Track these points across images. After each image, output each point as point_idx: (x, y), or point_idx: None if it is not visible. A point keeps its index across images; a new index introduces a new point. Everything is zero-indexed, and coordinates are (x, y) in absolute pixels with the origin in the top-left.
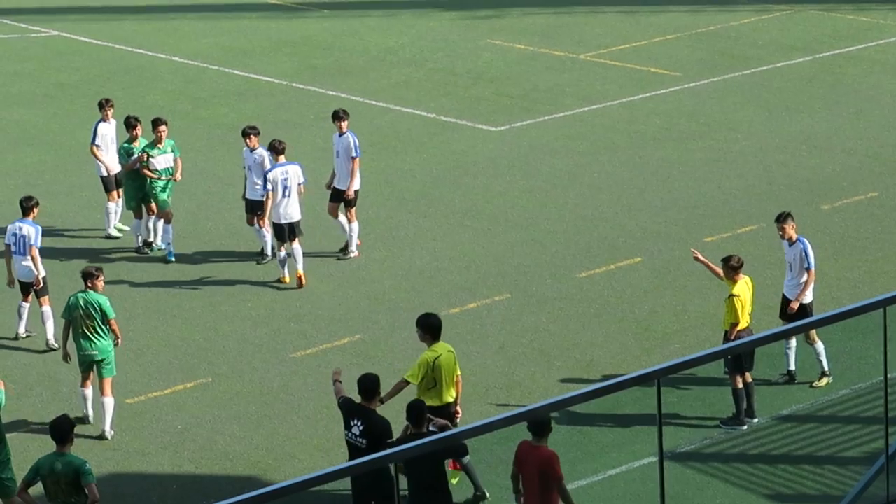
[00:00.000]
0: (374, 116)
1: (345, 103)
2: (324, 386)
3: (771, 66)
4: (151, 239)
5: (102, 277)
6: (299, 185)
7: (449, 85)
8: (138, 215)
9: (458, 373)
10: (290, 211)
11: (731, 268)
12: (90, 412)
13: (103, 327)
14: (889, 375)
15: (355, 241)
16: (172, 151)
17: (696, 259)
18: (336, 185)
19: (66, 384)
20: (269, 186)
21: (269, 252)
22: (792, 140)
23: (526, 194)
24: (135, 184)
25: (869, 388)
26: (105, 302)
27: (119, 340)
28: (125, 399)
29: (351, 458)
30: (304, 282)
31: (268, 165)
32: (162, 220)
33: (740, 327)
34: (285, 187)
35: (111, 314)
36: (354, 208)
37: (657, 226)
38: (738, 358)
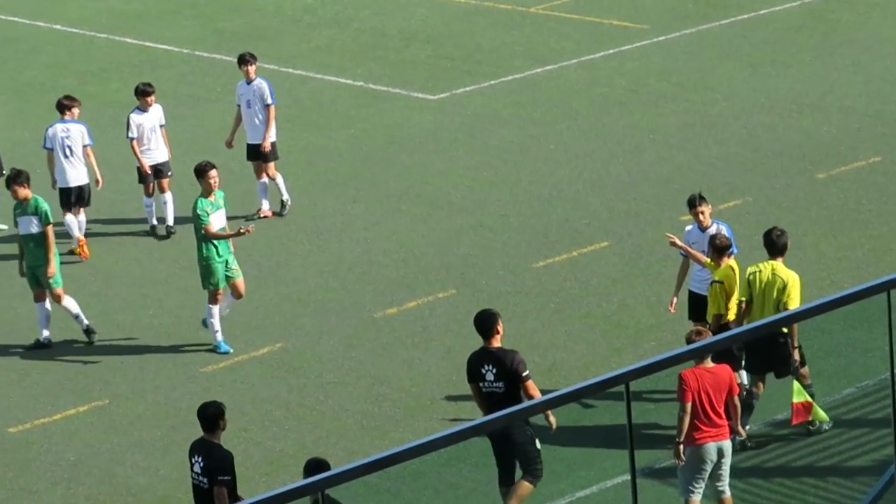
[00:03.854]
0: (291, 86)
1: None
2: (240, 404)
3: (753, 15)
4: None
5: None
6: (85, 147)
7: (378, 48)
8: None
9: None
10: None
11: (716, 249)
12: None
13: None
14: None
15: (285, 190)
16: (224, 206)
17: (673, 244)
18: (249, 140)
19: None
20: (49, 144)
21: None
22: (779, 100)
23: (471, 172)
24: None
25: (877, 386)
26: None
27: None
28: (7, 428)
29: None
30: (85, 252)
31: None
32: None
33: (727, 319)
34: (68, 147)
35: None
36: (274, 163)
37: (626, 204)
38: (731, 356)
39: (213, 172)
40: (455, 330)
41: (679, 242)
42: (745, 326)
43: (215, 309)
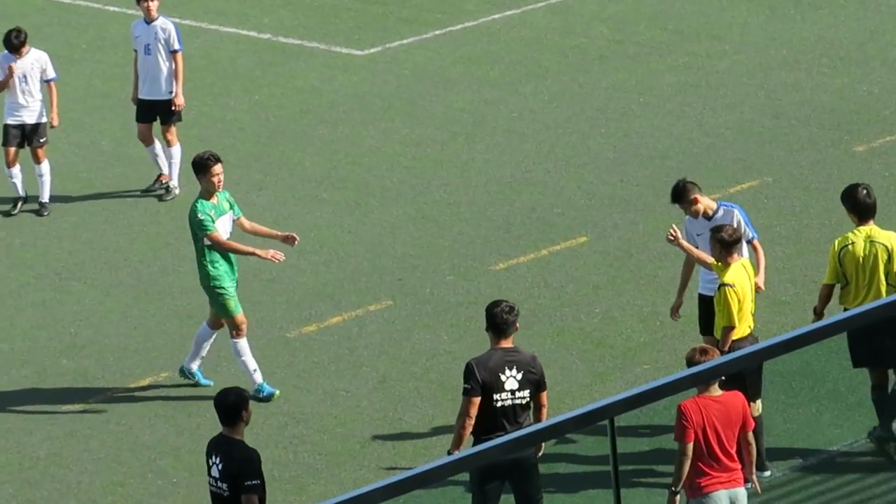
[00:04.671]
0: None
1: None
2: (116, 452)
3: None
4: (165, 171)
5: None
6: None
7: None
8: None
9: None
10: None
11: (722, 244)
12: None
13: None
14: None
15: (176, 172)
16: (231, 209)
17: (674, 241)
18: (143, 95)
19: None
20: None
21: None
22: (806, 51)
23: (411, 149)
24: None
25: None
26: None
27: None
28: None
29: None
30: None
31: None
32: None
33: (737, 335)
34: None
35: None
36: (176, 126)
37: (610, 188)
38: (741, 380)
39: (218, 168)
40: (391, 352)
41: (682, 241)
42: (767, 342)
43: (242, 344)
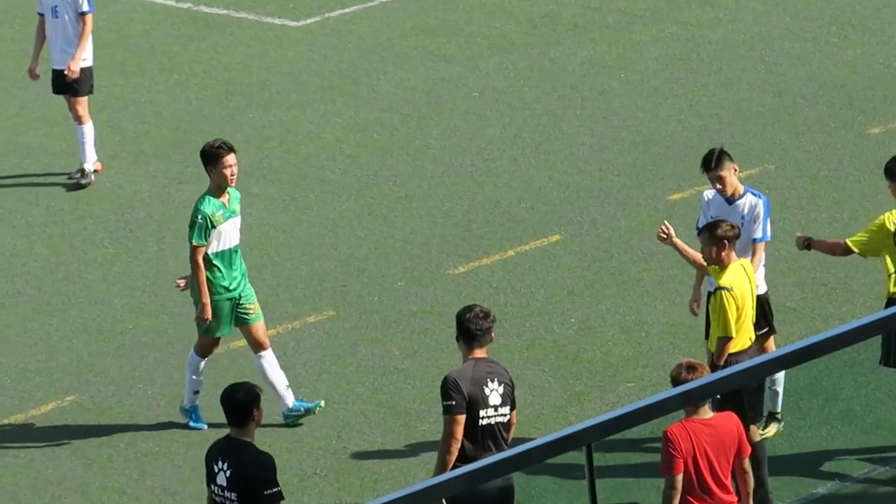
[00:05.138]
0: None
1: None
2: (12, 489)
3: None
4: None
5: None
6: None
7: None
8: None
9: None
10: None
11: (717, 240)
12: None
13: None
14: None
15: (93, 153)
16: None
17: (666, 238)
18: (55, 65)
19: None
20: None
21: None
22: (813, 18)
23: (356, 135)
24: None
25: None
26: None
27: None
28: None
29: None
30: None
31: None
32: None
33: (736, 347)
34: None
35: None
36: (86, 98)
37: (586, 178)
38: (738, 400)
39: (231, 159)
40: (334, 371)
41: (676, 239)
42: (770, 355)
43: (201, 363)
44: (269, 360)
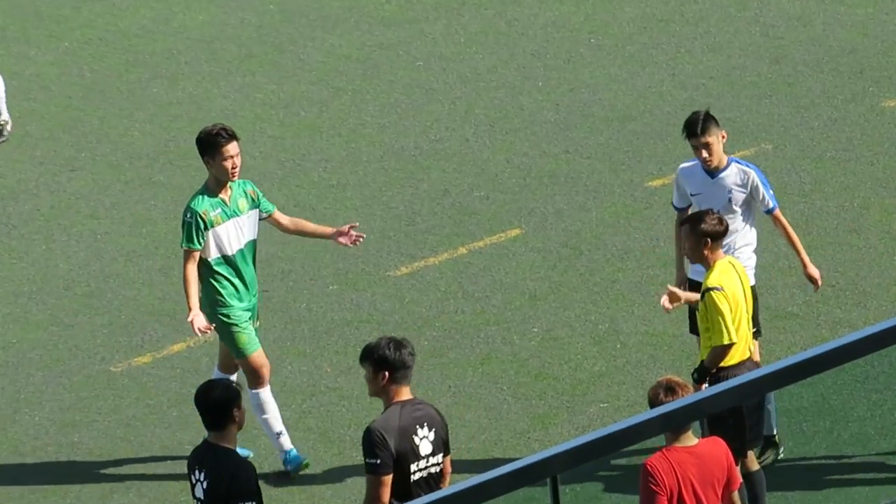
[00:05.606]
0: None
1: None
2: None
3: None
4: None
5: None
6: None
7: None
8: None
9: None
10: None
11: (700, 236)
12: None
13: None
14: None
15: (2, 102)
16: (256, 205)
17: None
18: None
19: None
20: None
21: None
22: None
23: (277, 111)
24: None
25: None
26: None
27: None
28: None
29: None
30: None
31: None
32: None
33: (732, 359)
34: None
35: None
36: None
37: (551, 162)
38: (736, 421)
39: (232, 147)
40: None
41: (685, 294)
42: (768, 368)
43: (265, 396)
44: (263, 398)
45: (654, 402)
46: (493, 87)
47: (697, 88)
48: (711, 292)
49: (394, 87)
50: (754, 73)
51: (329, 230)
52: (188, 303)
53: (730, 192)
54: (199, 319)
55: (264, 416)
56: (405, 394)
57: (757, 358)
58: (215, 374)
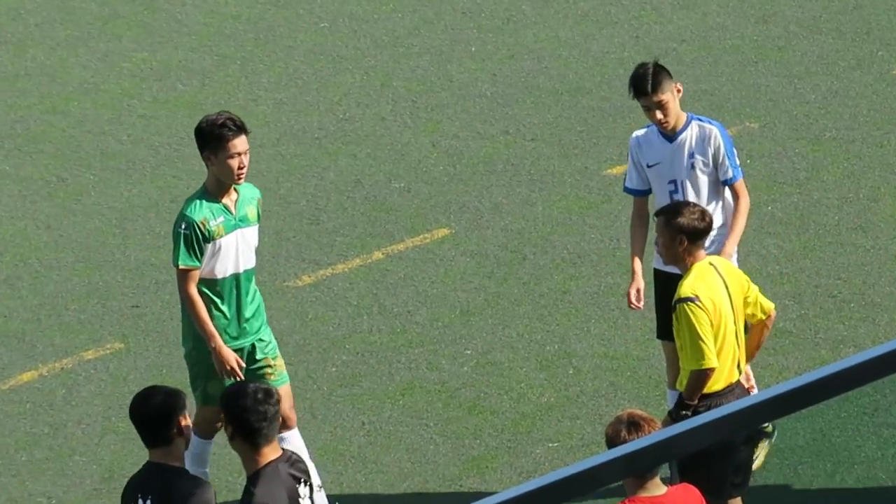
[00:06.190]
0: None
1: None
2: None
3: None
4: None
5: None
6: None
7: None
8: None
9: None
10: None
11: (675, 232)
12: None
13: None
14: None
15: None
16: (259, 217)
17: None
18: None
19: None
20: None
21: None
22: None
23: (152, 86)
24: None
25: None
26: None
27: None
28: None
29: None
30: None
31: None
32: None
33: (716, 384)
34: None
35: None
36: None
37: (488, 145)
38: (702, 468)
39: (240, 143)
40: (123, 429)
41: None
42: (754, 398)
43: (205, 445)
44: (293, 443)
45: (613, 441)
46: (414, 54)
47: (667, 54)
48: (684, 304)
49: (293, 55)
50: (736, 34)
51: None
52: (204, 330)
53: (692, 156)
54: (229, 353)
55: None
56: (273, 451)
57: (752, 382)
58: (195, 440)
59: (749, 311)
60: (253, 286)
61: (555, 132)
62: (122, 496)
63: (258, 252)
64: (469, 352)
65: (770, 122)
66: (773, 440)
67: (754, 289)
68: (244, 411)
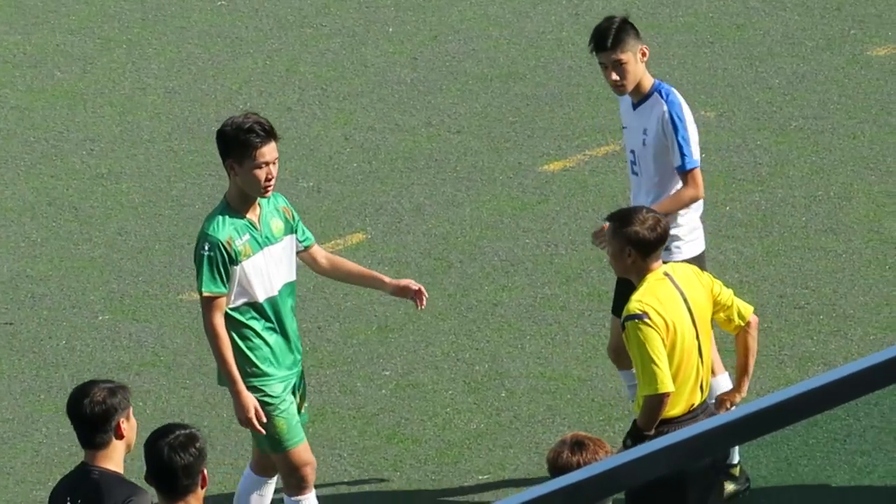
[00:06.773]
0: None
1: None
2: None
3: None
4: None
5: None
6: None
7: None
8: None
9: None
10: None
11: (626, 242)
12: None
13: None
14: None
15: None
16: (293, 230)
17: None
18: None
19: None
20: None
21: None
22: None
23: (27, 74)
24: None
25: None
26: None
27: None
28: None
29: None
30: None
31: None
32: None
33: (674, 408)
34: None
35: None
36: None
37: (408, 140)
38: (649, 496)
39: (269, 151)
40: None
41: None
42: (717, 419)
43: (309, 500)
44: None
45: (555, 463)
46: (324, 36)
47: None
48: (631, 323)
49: (185, 37)
50: (689, 11)
51: (385, 279)
52: (226, 370)
53: (645, 130)
54: (250, 400)
55: None
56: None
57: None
58: (247, 475)
59: (723, 316)
60: (289, 308)
61: (484, 123)
62: (51, 497)
63: (145, 261)
64: (387, 373)
65: (728, 110)
66: (741, 487)
67: (727, 293)
68: (152, 456)
